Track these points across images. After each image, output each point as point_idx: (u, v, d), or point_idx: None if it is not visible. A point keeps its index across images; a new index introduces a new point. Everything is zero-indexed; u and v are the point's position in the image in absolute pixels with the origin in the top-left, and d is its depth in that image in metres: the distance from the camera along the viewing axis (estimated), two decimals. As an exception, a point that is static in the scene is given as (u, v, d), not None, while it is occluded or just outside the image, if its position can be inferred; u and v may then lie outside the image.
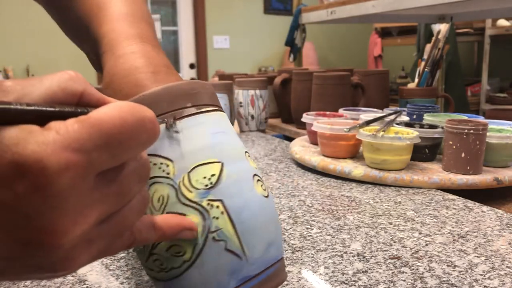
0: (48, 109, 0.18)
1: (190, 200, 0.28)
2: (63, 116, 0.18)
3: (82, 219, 0.18)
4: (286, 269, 0.42)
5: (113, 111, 0.19)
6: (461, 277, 0.41)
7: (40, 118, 0.18)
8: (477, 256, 0.45)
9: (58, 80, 0.20)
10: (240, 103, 1.18)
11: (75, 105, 0.21)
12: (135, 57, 0.33)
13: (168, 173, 0.28)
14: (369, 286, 0.39)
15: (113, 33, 0.36)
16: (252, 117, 1.18)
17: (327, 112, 0.94)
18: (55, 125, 0.17)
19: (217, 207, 0.28)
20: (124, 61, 0.33)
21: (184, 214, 0.28)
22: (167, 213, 0.28)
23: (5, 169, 0.16)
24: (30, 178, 0.16)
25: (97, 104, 0.21)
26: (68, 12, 0.42)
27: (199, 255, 0.28)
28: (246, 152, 0.33)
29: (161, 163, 0.28)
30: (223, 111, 0.33)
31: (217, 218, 0.28)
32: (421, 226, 0.52)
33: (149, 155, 0.28)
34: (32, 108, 0.18)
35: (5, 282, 0.40)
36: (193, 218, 0.28)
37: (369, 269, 0.42)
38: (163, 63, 0.34)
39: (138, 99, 0.29)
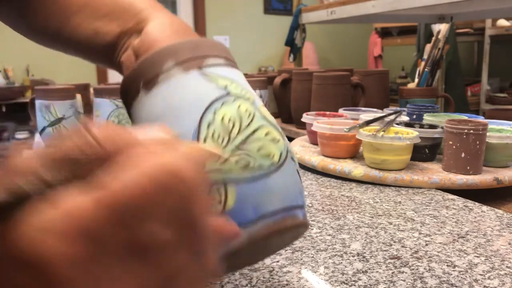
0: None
1: (270, 122, 0.31)
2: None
3: None
4: (286, 269, 0.43)
5: (125, 182, 0.16)
6: (461, 277, 0.41)
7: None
8: (477, 256, 0.45)
9: None
10: (240, 103, 1.18)
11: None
12: (183, 21, 0.37)
13: (249, 97, 0.31)
14: (369, 286, 0.39)
15: (148, 1, 0.38)
16: (252, 117, 1.18)
17: (327, 112, 0.94)
18: (47, 209, 0.15)
19: (284, 138, 0.32)
20: (176, 19, 0.36)
21: (269, 132, 0.30)
22: (249, 128, 0.30)
23: (6, 264, 0.15)
24: (36, 273, 0.15)
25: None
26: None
27: (283, 163, 0.30)
28: None
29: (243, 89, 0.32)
30: None
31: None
32: (421, 226, 0.52)
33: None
34: None
35: None
36: (277, 134, 0.31)
37: (369, 269, 0.42)
38: None
39: (200, 41, 0.32)
